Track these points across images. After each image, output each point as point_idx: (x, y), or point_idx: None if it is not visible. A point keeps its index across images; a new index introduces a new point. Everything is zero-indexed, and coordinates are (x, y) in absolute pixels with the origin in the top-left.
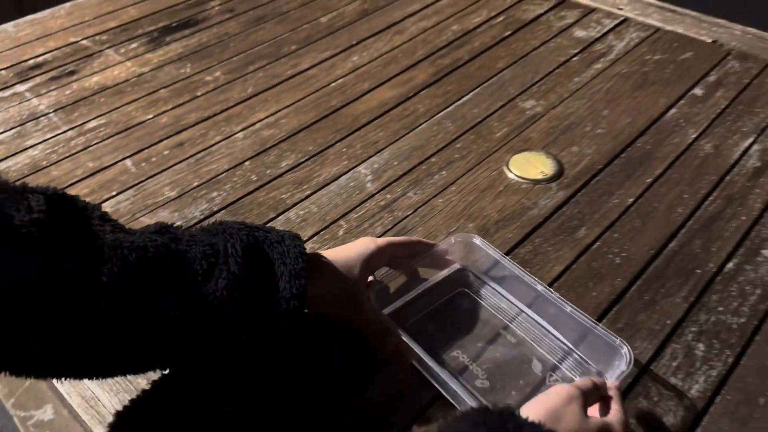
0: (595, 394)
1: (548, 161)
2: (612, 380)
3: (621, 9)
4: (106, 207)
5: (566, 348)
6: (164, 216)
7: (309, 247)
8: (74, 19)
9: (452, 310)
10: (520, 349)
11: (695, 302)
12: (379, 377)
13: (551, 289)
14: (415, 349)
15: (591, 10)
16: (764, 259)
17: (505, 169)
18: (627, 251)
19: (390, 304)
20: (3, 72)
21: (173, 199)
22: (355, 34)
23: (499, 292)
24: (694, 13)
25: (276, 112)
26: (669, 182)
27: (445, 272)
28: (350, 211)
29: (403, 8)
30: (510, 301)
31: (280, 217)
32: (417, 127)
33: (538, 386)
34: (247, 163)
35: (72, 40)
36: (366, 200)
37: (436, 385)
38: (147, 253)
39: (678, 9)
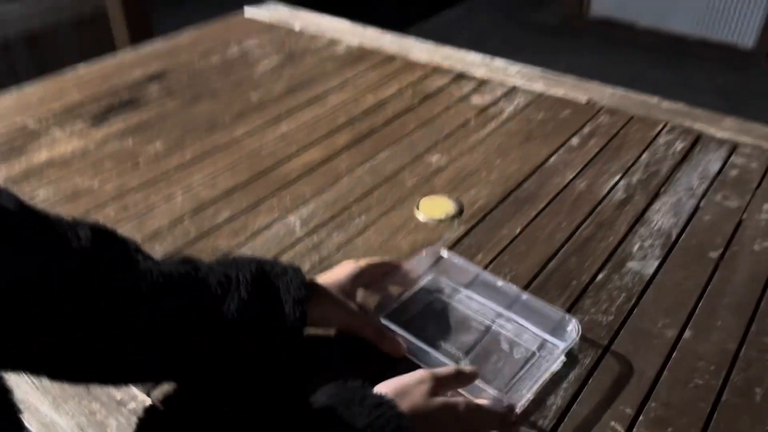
0: (454, 382)
1: (451, 203)
2: (561, 347)
3: (511, 79)
4: None
5: (524, 327)
6: None
7: None
8: (20, 103)
9: (430, 312)
10: (491, 335)
11: (571, 306)
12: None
13: (511, 283)
14: (407, 339)
15: (485, 81)
16: (628, 270)
17: (415, 211)
18: (515, 270)
19: (380, 314)
20: None
21: None
22: (283, 107)
23: (466, 294)
24: (571, 79)
25: (212, 175)
26: (550, 214)
27: (420, 282)
28: (282, 252)
29: (324, 85)
30: (479, 301)
31: None
32: (339, 181)
33: (507, 360)
34: (186, 218)
35: (18, 121)
36: (296, 243)
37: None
38: (173, 278)
39: (557, 76)
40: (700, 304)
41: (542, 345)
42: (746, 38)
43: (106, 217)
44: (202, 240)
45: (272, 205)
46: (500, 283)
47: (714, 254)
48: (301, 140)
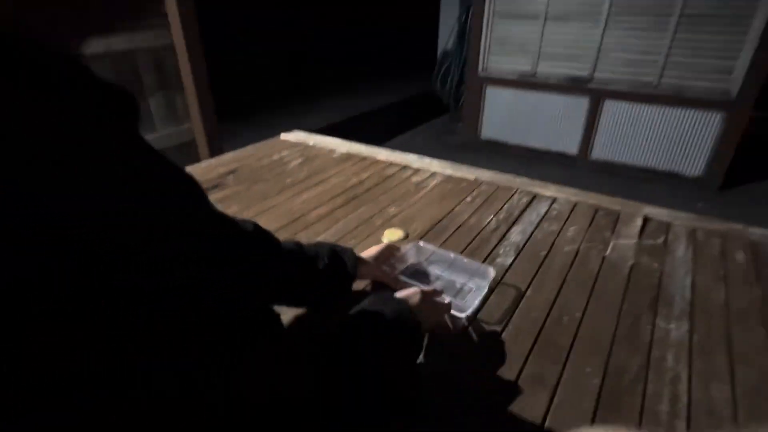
0: (431, 293)
1: (401, 232)
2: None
3: (432, 168)
4: None
5: (467, 276)
6: None
7: None
8: None
9: (418, 271)
10: (448, 280)
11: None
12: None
13: (461, 255)
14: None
15: (419, 169)
16: (498, 263)
17: (382, 237)
18: None
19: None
20: None
21: None
22: (304, 186)
23: (432, 261)
24: (467, 167)
25: (265, 223)
26: (455, 236)
27: (412, 257)
28: None
29: (327, 173)
30: (438, 264)
31: None
32: (337, 224)
33: (458, 292)
34: None
35: None
36: None
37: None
38: (294, 249)
39: (458, 165)
40: (537, 274)
41: (473, 280)
42: (572, 147)
43: None
44: None
45: (301, 236)
46: (452, 254)
47: (543, 253)
48: (315, 203)
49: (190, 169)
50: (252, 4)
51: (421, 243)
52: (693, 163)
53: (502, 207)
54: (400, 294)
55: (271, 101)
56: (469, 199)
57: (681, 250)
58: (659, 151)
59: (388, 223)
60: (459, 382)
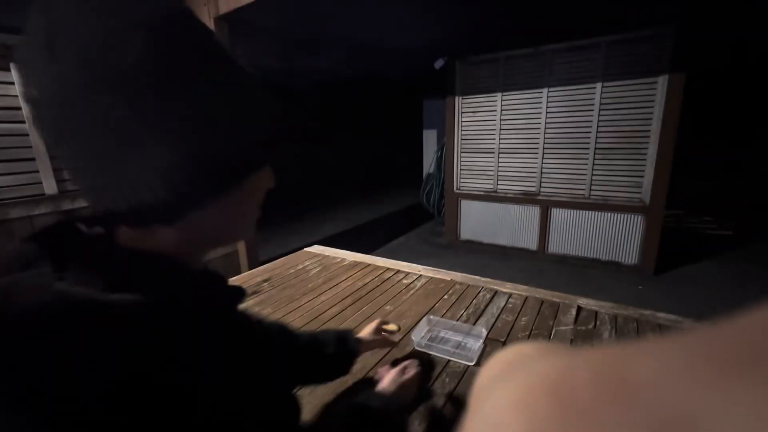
0: (409, 368)
1: (394, 326)
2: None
3: (418, 271)
4: None
5: (464, 335)
6: None
7: None
8: None
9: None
10: (455, 340)
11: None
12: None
13: (456, 322)
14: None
15: (408, 272)
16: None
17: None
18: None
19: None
20: None
21: None
22: (321, 290)
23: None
24: (444, 270)
25: (293, 320)
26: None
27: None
28: None
29: (339, 279)
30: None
31: None
32: (347, 320)
33: (462, 346)
34: None
35: None
36: None
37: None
38: (308, 337)
39: (437, 270)
40: (506, 340)
41: (467, 337)
42: (532, 244)
43: None
44: None
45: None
46: (452, 321)
47: (503, 337)
48: (330, 303)
49: (236, 279)
50: (286, 144)
51: (431, 317)
52: (628, 254)
53: (471, 302)
54: (379, 387)
55: (294, 214)
56: (446, 296)
57: (606, 333)
58: (600, 245)
59: (385, 317)
60: None
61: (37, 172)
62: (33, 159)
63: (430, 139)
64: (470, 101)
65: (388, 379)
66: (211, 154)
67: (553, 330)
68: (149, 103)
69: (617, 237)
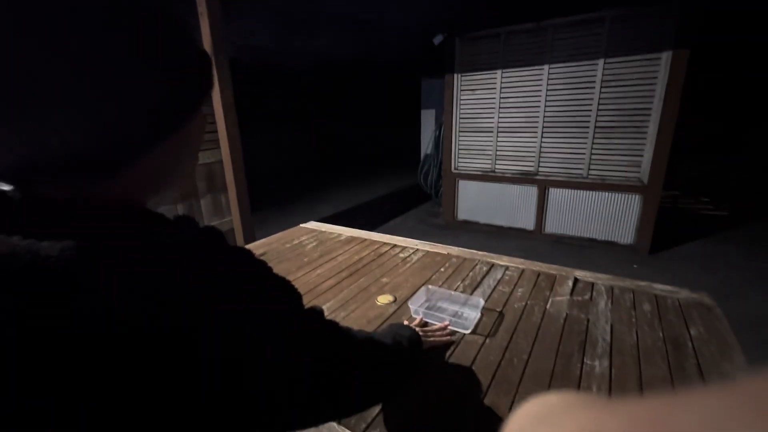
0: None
1: (391, 297)
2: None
3: (415, 246)
4: None
5: (461, 305)
6: None
7: None
8: None
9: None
10: (452, 309)
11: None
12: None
13: (454, 292)
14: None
15: (404, 246)
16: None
17: (375, 301)
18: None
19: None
20: None
21: None
22: (317, 263)
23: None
24: (440, 245)
25: None
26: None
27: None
28: None
29: (335, 253)
30: (442, 299)
31: None
32: (342, 292)
33: (458, 315)
34: None
35: None
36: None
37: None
38: (365, 336)
39: (435, 244)
40: (493, 325)
41: (464, 307)
42: (529, 224)
43: None
44: None
45: (314, 303)
46: (449, 291)
47: (500, 307)
48: (326, 276)
49: None
50: (283, 125)
51: (430, 286)
52: (624, 233)
53: (467, 275)
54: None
55: (289, 196)
56: (442, 269)
57: (602, 303)
58: (597, 225)
59: (380, 291)
60: (435, 404)
61: None
62: None
63: (428, 119)
64: (469, 79)
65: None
66: (142, 104)
67: (549, 300)
68: (77, 48)
69: (614, 217)
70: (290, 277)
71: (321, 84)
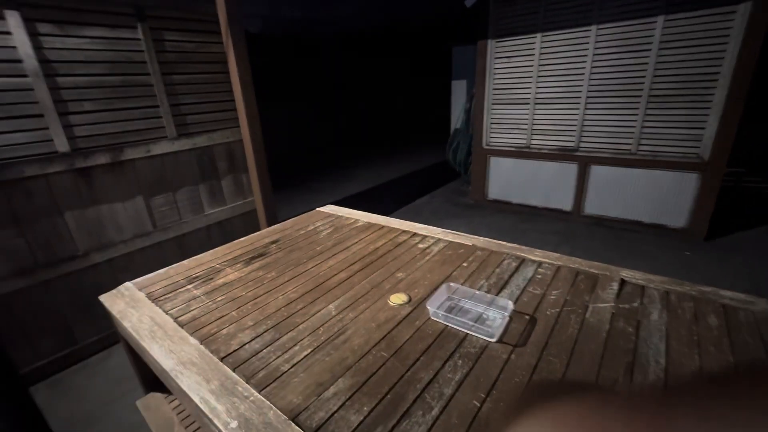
0: None
1: (405, 296)
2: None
3: (436, 235)
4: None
5: (485, 306)
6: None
7: (308, 342)
8: (215, 256)
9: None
10: (476, 311)
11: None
12: None
13: (478, 291)
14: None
15: (425, 236)
16: (493, 316)
17: (388, 300)
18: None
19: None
20: (182, 280)
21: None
22: (330, 253)
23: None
24: (464, 234)
25: (295, 286)
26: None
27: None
28: (324, 323)
29: (351, 241)
30: (464, 298)
31: (299, 327)
32: (353, 288)
33: (482, 320)
34: (282, 307)
35: (212, 264)
36: (330, 319)
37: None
38: None
39: (458, 233)
40: (520, 337)
41: (489, 309)
42: (566, 204)
43: (247, 308)
44: (290, 317)
45: (322, 300)
46: (478, 292)
47: (530, 311)
48: (337, 268)
49: (244, 240)
50: (310, 100)
51: (451, 284)
52: (676, 216)
53: (493, 271)
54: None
55: (315, 174)
56: (465, 264)
57: (655, 314)
58: (644, 206)
59: (395, 288)
60: None
61: (47, 129)
62: (41, 116)
63: (458, 90)
64: (504, 45)
65: None
66: None
67: (589, 307)
68: None
69: (665, 197)
70: (300, 269)
71: (348, 55)
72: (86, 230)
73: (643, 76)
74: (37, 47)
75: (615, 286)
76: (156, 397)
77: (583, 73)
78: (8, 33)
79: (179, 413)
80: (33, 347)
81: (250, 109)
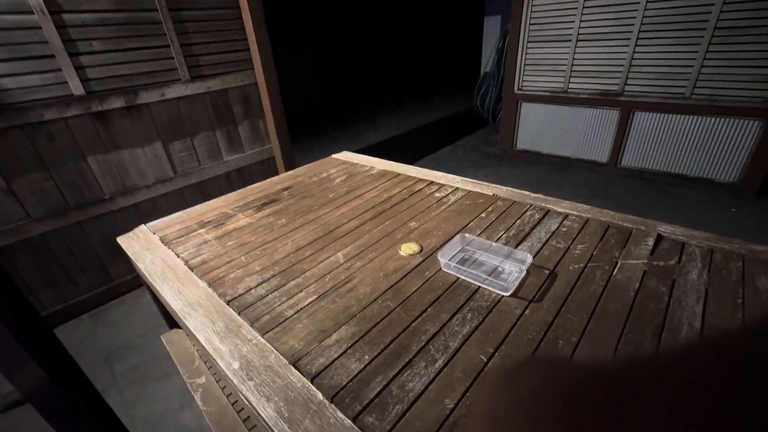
0: None
1: (416, 246)
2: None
3: (454, 183)
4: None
5: (501, 259)
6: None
7: (314, 289)
8: (227, 201)
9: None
10: (491, 264)
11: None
12: None
13: (495, 243)
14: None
15: (442, 185)
16: (512, 266)
17: (398, 250)
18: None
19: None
20: (194, 225)
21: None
22: (342, 201)
23: (473, 247)
24: (485, 183)
25: (305, 233)
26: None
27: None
28: (332, 270)
29: (364, 189)
30: (479, 249)
31: (305, 273)
32: (363, 236)
33: (497, 273)
34: (291, 254)
35: (224, 210)
36: (339, 267)
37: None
38: None
39: (478, 181)
40: (537, 293)
41: (506, 262)
42: (602, 155)
43: (255, 254)
44: (297, 264)
45: (330, 248)
46: (492, 243)
47: (550, 266)
48: (349, 216)
49: (257, 186)
50: (332, 45)
51: (466, 234)
52: (727, 169)
53: (514, 223)
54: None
55: (337, 122)
56: (483, 214)
57: (695, 273)
58: (691, 158)
59: (407, 237)
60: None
61: (60, 70)
62: (52, 56)
63: (491, 27)
64: None
65: None
66: None
67: (618, 264)
68: None
69: (716, 147)
70: (310, 216)
71: None
72: (110, 174)
73: (711, 5)
74: None
75: (650, 241)
76: (179, 333)
77: (638, 2)
78: None
79: (198, 349)
80: (74, 283)
81: (264, 50)
